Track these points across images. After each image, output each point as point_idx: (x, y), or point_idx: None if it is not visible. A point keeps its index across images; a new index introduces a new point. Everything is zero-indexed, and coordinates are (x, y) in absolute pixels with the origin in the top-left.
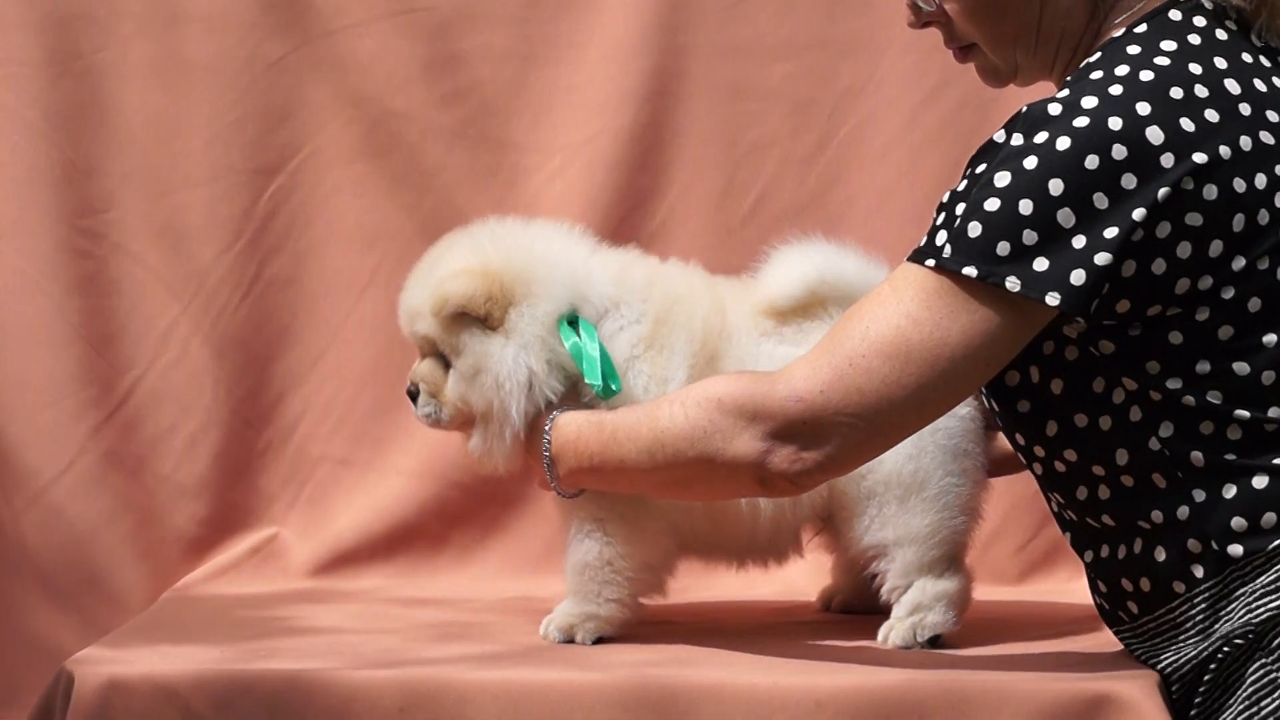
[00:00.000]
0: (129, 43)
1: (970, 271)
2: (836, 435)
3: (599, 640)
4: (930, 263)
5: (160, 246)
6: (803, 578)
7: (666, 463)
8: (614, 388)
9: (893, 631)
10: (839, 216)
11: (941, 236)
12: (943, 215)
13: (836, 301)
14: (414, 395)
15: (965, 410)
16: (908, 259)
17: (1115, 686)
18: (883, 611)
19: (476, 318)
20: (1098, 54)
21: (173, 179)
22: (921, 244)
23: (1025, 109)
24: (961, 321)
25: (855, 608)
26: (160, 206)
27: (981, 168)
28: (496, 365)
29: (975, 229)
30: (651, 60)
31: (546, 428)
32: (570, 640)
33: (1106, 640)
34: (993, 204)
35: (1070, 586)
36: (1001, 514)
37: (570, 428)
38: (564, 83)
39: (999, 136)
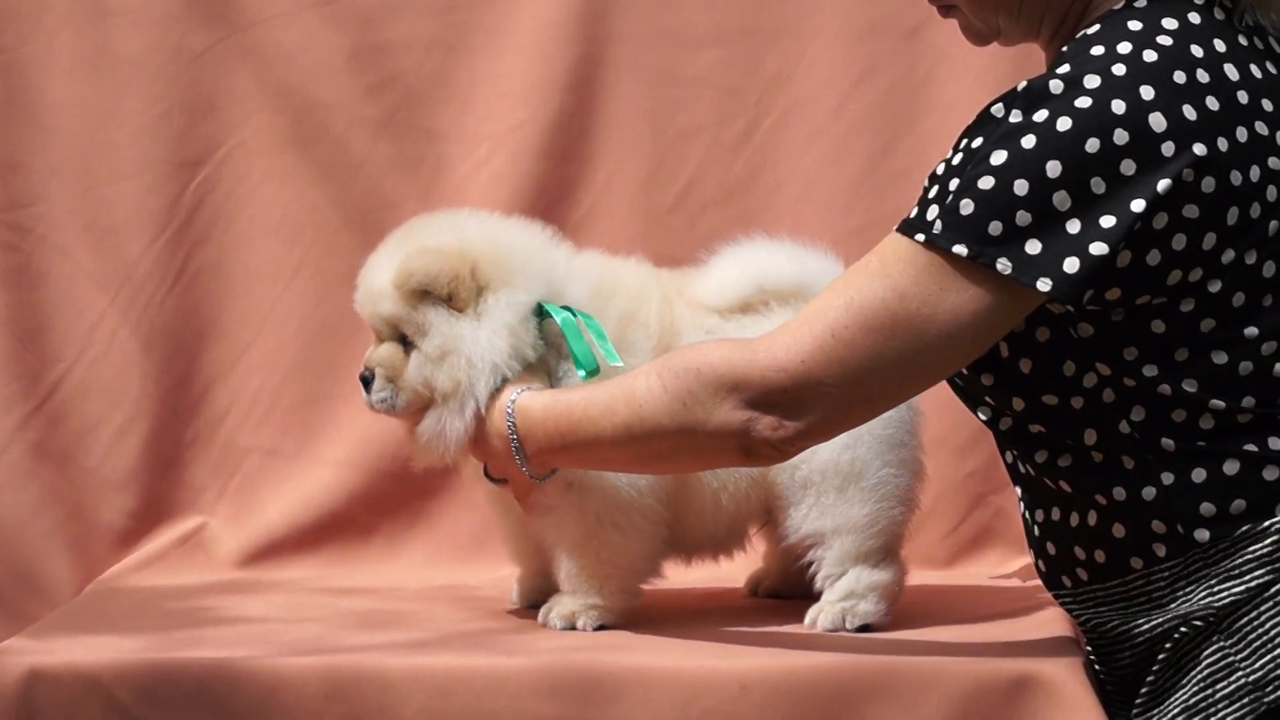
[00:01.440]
0: (53, 36)
1: (960, 250)
2: (819, 404)
3: (601, 628)
4: (920, 237)
5: (87, 239)
6: (730, 563)
7: (645, 435)
8: (614, 363)
9: (822, 614)
10: (766, 203)
11: (933, 211)
12: (936, 188)
13: (778, 298)
14: (368, 381)
15: None
16: (896, 229)
17: (1040, 668)
18: (811, 596)
19: (439, 298)
20: (1096, 25)
21: (99, 172)
22: (911, 215)
23: (1026, 84)
24: (950, 300)
25: (783, 593)
26: (86, 199)
27: (978, 142)
28: (469, 346)
29: (968, 206)
30: (577, 48)
31: (509, 410)
32: (572, 627)
33: (1033, 624)
34: (987, 182)
35: (998, 569)
36: (931, 498)
37: (535, 408)
38: (489, 71)
39: (997, 110)
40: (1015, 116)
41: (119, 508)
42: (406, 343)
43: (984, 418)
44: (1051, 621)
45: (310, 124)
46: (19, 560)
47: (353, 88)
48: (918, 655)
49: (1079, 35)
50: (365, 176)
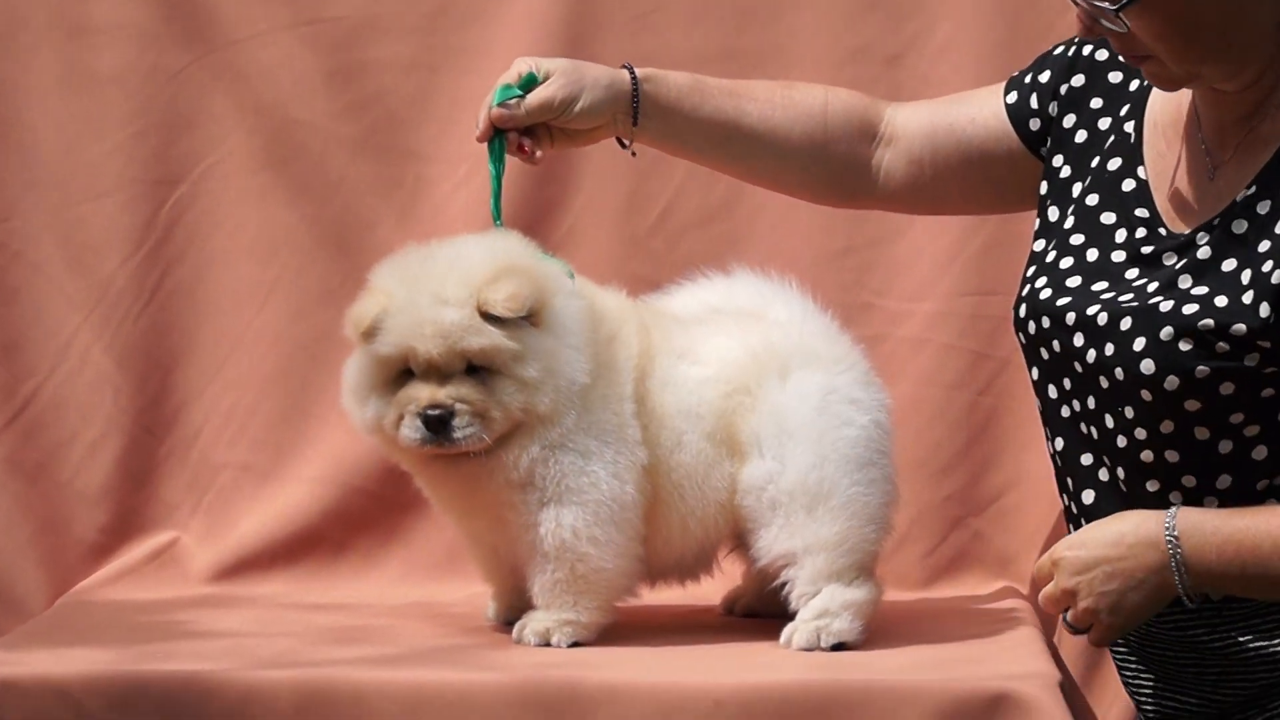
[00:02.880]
0: (30, 53)
1: None
2: None
3: (575, 644)
4: None
5: (62, 256)
6: (706, 581)
7: None
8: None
9: (796, 633)
10: (745, 227)
11: None
12: None
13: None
14: (444, 420)
15: (865, 418)
16: None
17: (1014, 686)
18: (787, 615)
19: (533, 314)
20: None
21: (75, 189)
22: None
23: None
24: None
25: (759, 611)
26: (62, 216)
27: None
28: (564, 365)
29: None
30: None
31: (1169, 530)
32: (546, 643)
33: (1009, 643)
34: None
35: (975, 592)
36: (908, 520)
37: (1206, 528)
38: (469, 93)
39: None
40: None
41: (91, 522)
42: (482, 373)
43: (1187, 485)
44: (1028, 642)
45: (288, 143)
46: None
47: (331, 107)
48: (893, 674)
49: None
50: (342, 196)
